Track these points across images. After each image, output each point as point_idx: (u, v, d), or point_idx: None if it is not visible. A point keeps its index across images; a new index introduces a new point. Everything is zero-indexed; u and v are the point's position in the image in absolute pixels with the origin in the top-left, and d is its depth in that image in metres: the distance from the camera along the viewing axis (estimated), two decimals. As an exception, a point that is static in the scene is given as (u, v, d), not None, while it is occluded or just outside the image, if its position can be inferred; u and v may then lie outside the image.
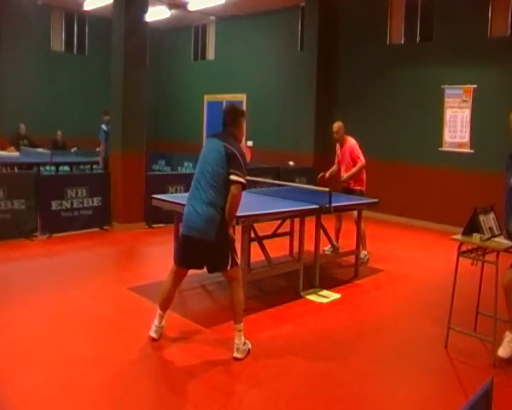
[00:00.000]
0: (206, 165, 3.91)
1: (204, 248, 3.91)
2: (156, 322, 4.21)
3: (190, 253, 4.04)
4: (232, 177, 3.78)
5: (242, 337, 3.99)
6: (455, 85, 9.62)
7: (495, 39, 9.19)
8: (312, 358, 4.11)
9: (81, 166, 11.63)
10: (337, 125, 7.10)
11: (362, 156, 6.94)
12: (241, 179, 3.81)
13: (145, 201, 8.21)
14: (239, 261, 4.13)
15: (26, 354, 3.89)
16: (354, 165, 6.94)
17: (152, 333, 4.21)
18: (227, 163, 3.81)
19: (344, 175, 7.05)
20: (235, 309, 4.02)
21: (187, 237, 3.96)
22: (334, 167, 7.37)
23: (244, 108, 13.78)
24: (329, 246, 6.78)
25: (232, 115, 4.07)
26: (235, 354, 3.93)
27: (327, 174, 7.27)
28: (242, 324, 4.01)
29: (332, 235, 6.75)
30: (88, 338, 4.25)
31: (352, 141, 7.07)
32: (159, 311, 4.21)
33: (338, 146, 7.26)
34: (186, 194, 4.32)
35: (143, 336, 4.27)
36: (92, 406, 3.25)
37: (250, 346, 4.06)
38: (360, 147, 7.09)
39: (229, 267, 3.94)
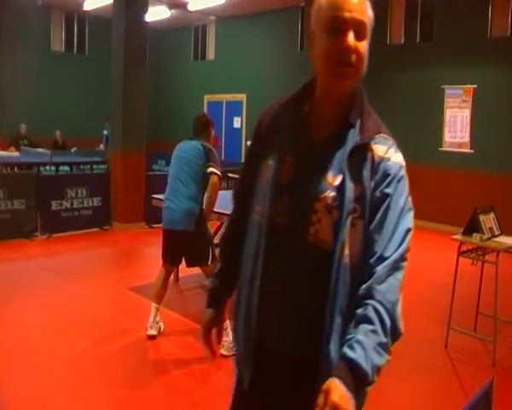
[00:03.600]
0: (185, 161, 4.14)
1: (185, 241, 4.10)
2: (151, 318, 4.26)
3: (173, 247, 4.20)
4: (210, 169, 4.07)
5: (230, 335, 4.01)
6: (455, 85, 9.62)
7: (495, 39, 9.19)
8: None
9: (81, 167, 11.62)
10: None
11: None
12: (218, 172, 4.10)
13: (145, 201, 8.21)
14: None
15: (25, 354, 3.90)
16: None
17: (149, 331, 4.23)
18: (205, 158, 4.09)
19: None
20: None
21: (168, 232, 4.17)
22: None
23: (244, 108, 13.80)
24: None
25: (203, 125, 4.35)
26: (221, 351, 3.97)
27: None
28: (227, 321, 4.03)
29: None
30: (88, 338, 4.25)
31: None
32: (153, 304, 4.28)
33: None
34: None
35: (143, 335, 4.27)
36: (92, 405, 3.25)
37: None
38: None
39: (209, 262, 4.07)
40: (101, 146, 11.44)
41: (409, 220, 1.38)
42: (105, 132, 11.40)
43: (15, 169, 9.86)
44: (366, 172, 1.36)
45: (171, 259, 4.30)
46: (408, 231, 1.36)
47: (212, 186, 4.06)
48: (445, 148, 9.80)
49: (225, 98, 14.36)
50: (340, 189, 1.35)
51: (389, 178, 1.37)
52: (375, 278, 1.31)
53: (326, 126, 1.45)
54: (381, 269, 1.32)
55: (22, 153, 11.07)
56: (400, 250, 1.34)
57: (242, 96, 13.83)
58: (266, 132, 1.53)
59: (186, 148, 4.23)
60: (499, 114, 9.05)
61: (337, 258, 1.33)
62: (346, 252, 1.33)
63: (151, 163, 12.26)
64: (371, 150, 1.38)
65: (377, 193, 1.36)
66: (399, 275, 1.36)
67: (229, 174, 7.31)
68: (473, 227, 4.15)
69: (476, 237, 4.09)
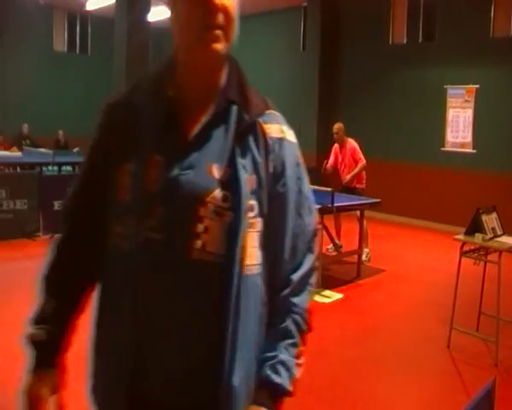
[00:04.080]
0: None
1: None
2: None
3: None
4: None
5: None
6: (457, 85, 9.60)
7: (497, 39, 9.17)
8: (314, 358, 4.11)
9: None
10: (337, 125, 7.26)
11: (362, 157, 7.07)
12: None
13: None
14: None
15: (26, 354, 3.90)
16: (356, 165, 7.06)
17: None
18: None
19: (347, 176, 7.15)
20: None
21: None
22: (328, 167, 7.39)
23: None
24: (332, 245, 6.83)
25: None
26: None
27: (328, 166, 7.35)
28: None
29: (333, 234, 6.80)
30: (89, 338, 4.26)
31: (352, 142, 7.23)
32: None
33: (337, 148, 7.34)
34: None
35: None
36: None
37: None
38: (360, 147, 7.20)
39: None
40: None
41: (314, 212, 1.24)
42: None
43: (18, 169, 9.88)
44: (260, 158, 1.12)
45: None
46: (316, 226, 1.23)
47: None
48: (448, 148, 9.79)
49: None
50: (231, 183, 1.08)
51: (288, 163, 1.16)
52: (292, 289, 1.16)
53: (199, 110, 1.14)
54: (296, 279, 1.16)
55: (24, 153, 11.09)
56: (313, 253, 1.21)
57: (244, 96, 13.83)
58: (119, 129, 1.16)
59: None
60: (502, 114, 9.03)
61: (237, 271, 1.07)
62: (248, 261, 1.09)
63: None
64: (262, 130, 1.14)
65: (276, 183, 1.14)
66: (313, 280, 1.23)
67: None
68: (475, 227, 4.14)
69: (479, 237, 4.09)
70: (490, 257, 4.15)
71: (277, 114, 1.21)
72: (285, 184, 1.15)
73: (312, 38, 11.71)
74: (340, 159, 7.30)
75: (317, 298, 5.49)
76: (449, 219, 9.15)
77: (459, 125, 9.63)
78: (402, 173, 10.36)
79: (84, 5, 13.21)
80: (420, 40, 10.33)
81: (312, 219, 1.22)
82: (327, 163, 7.34)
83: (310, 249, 1.21)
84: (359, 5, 11.13)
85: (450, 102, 9.72)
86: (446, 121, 9.79)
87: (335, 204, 5.57)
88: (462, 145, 9.58)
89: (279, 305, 1.16)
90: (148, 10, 8.61)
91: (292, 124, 1.23)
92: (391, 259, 7.29)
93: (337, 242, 6.95)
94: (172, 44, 1.24)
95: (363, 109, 11.00)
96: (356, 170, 7.06)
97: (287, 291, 1.16)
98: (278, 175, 1.14)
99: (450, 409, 3.40)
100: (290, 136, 1.20)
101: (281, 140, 1.16)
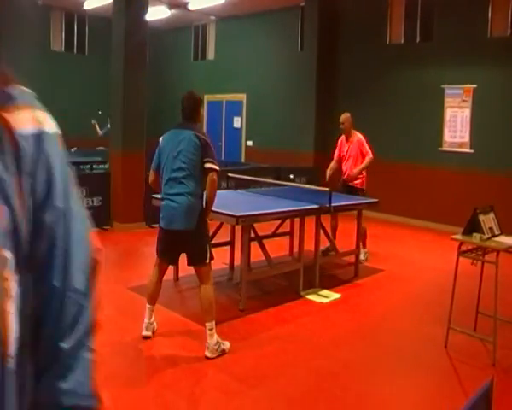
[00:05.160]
0: (180, 156, 3.95)
1: (185, 239, 3.99)
2: (146, 319, 4.25)
3: (172, 246, 4.11)
4: (208, 165, 3.90)
5: (215, 337, 3.99)
6: (455, 85, 9.61)
7: (495, 39, 9.19)
8: (312, 358, 4.11)
9: (81, 166, 11.64)
10: (344, 116, 7.15)
11: (370, 151, 6.94)
12: (216, 167, 3.94)
13: (145, 201, 8.21)
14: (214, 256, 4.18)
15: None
16: (363, 159, 6.93)
17: (144, 332, 4.22)
18: (201, 151, 3.91)
19: (353, 170, 6.95)
20: (205, 307, 4.02)
21: (168, 231, 4.04)
22: (333, 164, 7.32)
23: (244, 107, 13.79)
24: (328, 245, 6.77)
25: (193, 103, 4.13)
26: (206, 353, 3.95)
27: (330, 172, 7.20)
28: (213, 322, 4.01)
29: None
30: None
31: (360, 135, 7.08)
32: (148, 305, 4.25)
33: (343, 140, 7.22)
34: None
35: (142, 335, 4.27)
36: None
37: (227, 346, 4.06)
38: (367, 142, 7.12)
39: (207, 260, 3.99)
40: (99, 131, 12.02)
41: (87, 237, 0.78)
42: (108, 126, 11.81)
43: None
44: (7, 173, 0.66)
45: (169, 258, 4.26)
46: (93, 256, 0.77)
47: (211, 184, 3.91)
48: (445, 148, 9.80)
49: (225, 98, 14.35)
50: None
51: (56, 171, 0.73)
52: (59, 368, 0.75)
53: None
54: (67, 348, 0.76)
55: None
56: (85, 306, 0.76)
57: (242, 96, 13.83)
58: None
59: (179, 139, 3.98)
60: (499, 114, 9.04)
61: None
62: (8, 348, 0.66)
63: (151, 163, 12.29)
64: (5, 123, 0.69)
65: (40, 209, 0.70)
66: (91, 342, 0.82)
67: (230, 174, 7.30)
68: (473, 227, 4.15)
69: (476, 237, 4.09)
70: (487, 257, 4.16)
71: (26, 90, 0.75)
72: (54, 207, 0.71)
73: (310, 38, 11.71)
74: (344, 151, 7.12)
75: (315, 298, 5.49)
76: (446, 218, 9.16)
77: (457, 124, 9.64)
78: (400, 173, 10.36)
79: (81, 5, 13.19)
80: (417, 40, 10.34)
81: (85, 249, 0.79)
82: (330, 176, 7.11)
83: (84, 297, 0.76)
84: (357, 5, 11.13)
85: (448, 101, 9.73)
86: (444, 121, 9.80)
87: (333, 204, 5.57)
88: (460, 145, 9.59)
89: (44, 400, 0.73)
90: (145, 10, 8.59)
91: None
92: (389, 259, 7.30)
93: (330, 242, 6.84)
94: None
95: (360, 109, 10.98)
96: (363, 164, 6.85)
97: (52, 373, 0.72)
98: (42, 194, 0.70)
99: (447, 409, 3.40)
100: (50, 124, 0.75)
101: (39, 135, 0.71)
